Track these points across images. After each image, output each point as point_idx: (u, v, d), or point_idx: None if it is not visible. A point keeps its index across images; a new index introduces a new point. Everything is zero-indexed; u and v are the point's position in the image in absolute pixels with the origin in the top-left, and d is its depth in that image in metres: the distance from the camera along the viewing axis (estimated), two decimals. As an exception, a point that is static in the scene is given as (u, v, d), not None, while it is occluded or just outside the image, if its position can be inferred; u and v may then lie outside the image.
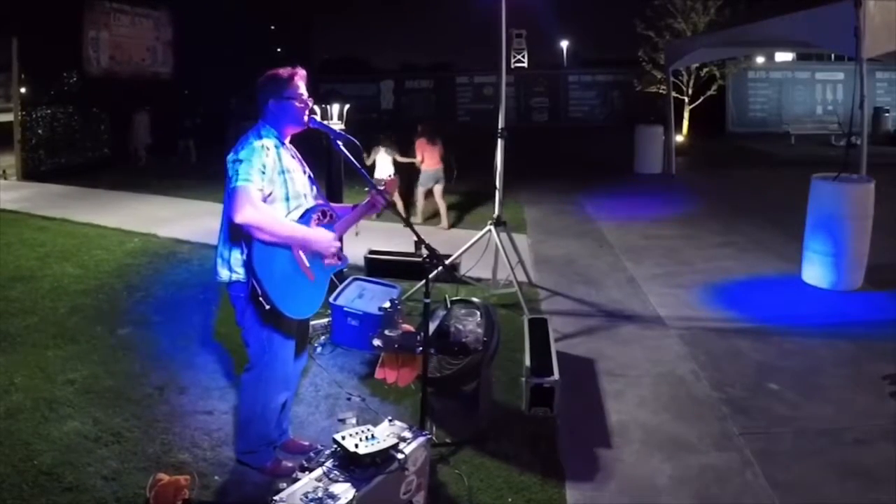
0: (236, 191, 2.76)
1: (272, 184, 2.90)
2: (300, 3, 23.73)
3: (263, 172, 2.84)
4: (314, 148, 4.42)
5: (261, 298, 2.85)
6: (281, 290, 2.87)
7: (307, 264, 2.98)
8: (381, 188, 3.23)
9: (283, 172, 2.96)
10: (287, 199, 2.98)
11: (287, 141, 3.11)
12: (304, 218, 3.01)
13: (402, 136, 9.69)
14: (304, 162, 3.22)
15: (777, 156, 16.93)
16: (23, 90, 13.47)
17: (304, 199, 3.08)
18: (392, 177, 3.40)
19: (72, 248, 7.70)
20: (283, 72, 3.02)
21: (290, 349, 3.22)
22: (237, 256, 2.99)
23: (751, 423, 3.87)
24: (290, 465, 3.32)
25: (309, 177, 3.20)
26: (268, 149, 2.90)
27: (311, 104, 3.10)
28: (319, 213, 3.08)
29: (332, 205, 3.29)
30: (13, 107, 13.64)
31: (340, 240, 3.13)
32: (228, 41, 18.67)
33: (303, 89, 3.05)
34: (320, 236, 2.99)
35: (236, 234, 2.94)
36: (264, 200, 2.85)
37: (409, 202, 9.44)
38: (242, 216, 2.73)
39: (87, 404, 4.01)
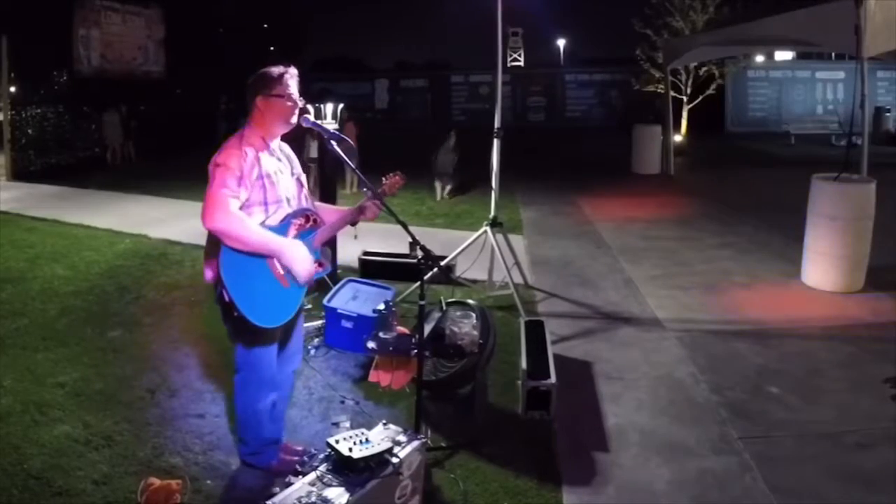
0: (210, 196, 2.73)
1: (249, 189, 2.83)
2: (294, 2, 23.69)
3: (240, 178, 2.78)
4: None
5: (228, 305, 2.81)
6: (249, 297, 2.82)
7: (281, 272, 2.92)
8: (380, 190, 3.13)
9: (261, 178, 2.88)
10: (265, 203, 2.90)
11: (274, 142, 3.05)
12: (284, 223, 2.94)
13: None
14: (294, 162, 3.16)
15: (777, 156, 16.94)
16: (12, 89, 13.43)
17: (287, 204, 3.01)
18: (396, 176, 3.19)
19: (62, 249, 7.65)
20: (274, 69, 2.95)
21: (272, 352, 3.16)
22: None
23: (750, 426, 3.83)
24: (296, 458, 3.32)
25: (297, 179, 3.13)
26: (246, 154, 2.84)
27: (301, 104, 3.01)
28: (302, 219, 3.02)
29: (321, 205, 3.24)
30: (2, 106, 13.60)
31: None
32: (221, 40, 18.61)
33: (293, 89, 2.97)
34: (296, 250, 2.88)
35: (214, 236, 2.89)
36: (241, 207, 2.79)
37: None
38: (212, 222, 2.70)
39: (78, 407, 3.97)
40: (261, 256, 2.85)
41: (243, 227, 2.75)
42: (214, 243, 2.87)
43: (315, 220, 3.07)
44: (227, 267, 2.79)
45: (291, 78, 2.97)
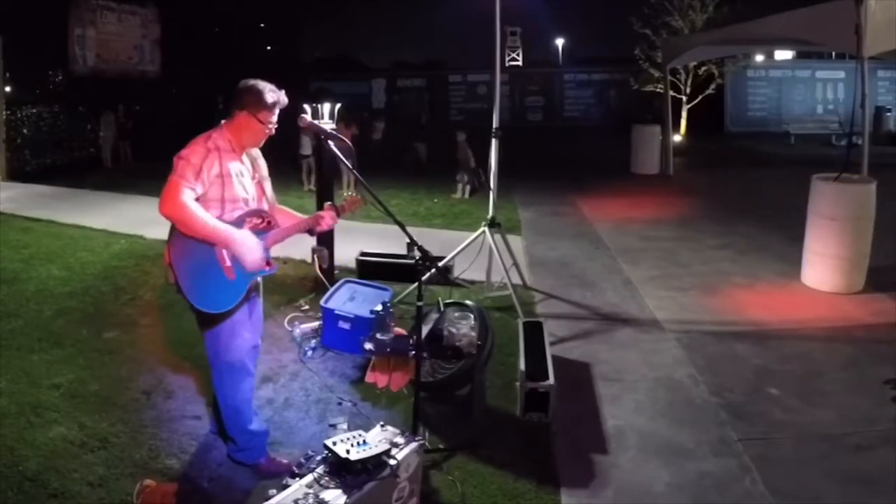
0: (167, 185, 2.88)
1: (207, 185, 2.96)
2: (290, 1, 23.61)
3: (199, 172, 2.92)
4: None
5: (173, 285, 2.99)
6: (193, 281, 2.98)
7: (228, 263, 3.02)
8: (340, 206, 3.29)
9: (220, 176, 3.00)
10: (222, 200, 3.02)
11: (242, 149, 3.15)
12: (239, 221, 3.06)
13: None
14: (259, 167, 3.25)
15: (777, 156, 16.91)
16: (8, 89, 13.33)
17: (245, 205, 3.11)
18: (354, 194, 3.42)
19: (57, 249, 7.61)
20: (269, 96, 3.05)
21: (238, 337, 3.18)
22: None
23: (750, 428, 3.82)
24: (285, 461, 3.30)
25: (258, 182, 3.21)
26: (210, 152, 2.97)
27: (272, 132, 3.14)
28: (256, 218, 3.13)
29: (281, 209, 3.34)
30: (-3, 106, 13.50)
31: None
32: (217, 39, 18.55)
33: (275, 118, 3.11)
34: (245, 240, 3.01)
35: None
36: (196, 199, 2.92)
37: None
38: (166, 209, 2.86)
39: (73, 409, 3.95)
40: (209, 245, 2.97)
41: (193, 216, 2.88)
42: (172, 229, 3.02)
43: (269, 222, 3.18)
44: (176, 251, 2.97)
45: (279, 107, 3.11)
